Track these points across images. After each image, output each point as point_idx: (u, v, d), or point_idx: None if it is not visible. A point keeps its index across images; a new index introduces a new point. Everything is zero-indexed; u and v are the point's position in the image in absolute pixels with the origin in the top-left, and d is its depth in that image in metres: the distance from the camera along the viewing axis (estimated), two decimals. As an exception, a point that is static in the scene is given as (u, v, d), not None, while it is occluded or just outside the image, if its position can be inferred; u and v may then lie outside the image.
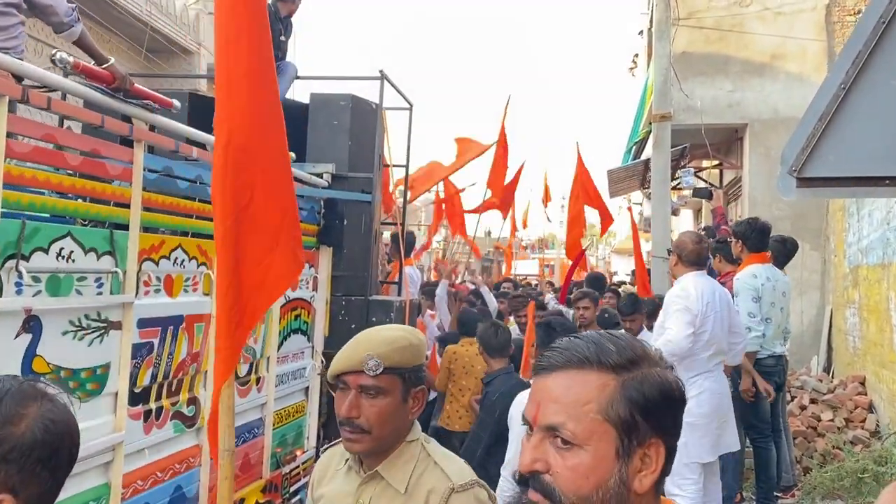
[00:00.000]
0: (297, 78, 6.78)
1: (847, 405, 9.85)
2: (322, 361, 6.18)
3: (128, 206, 4.06)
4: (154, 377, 4.30)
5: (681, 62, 14.08)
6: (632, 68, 21.78)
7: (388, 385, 2.47)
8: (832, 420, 9.48)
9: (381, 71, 6.46)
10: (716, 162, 16.45)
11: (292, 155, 5.72)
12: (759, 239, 7.57)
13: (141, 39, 13.81)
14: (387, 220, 7.90)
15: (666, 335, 5.96)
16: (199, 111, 6.00)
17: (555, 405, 1.49)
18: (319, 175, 6.19)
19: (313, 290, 6.20)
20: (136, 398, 4.17)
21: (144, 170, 4.19)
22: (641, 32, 19.13)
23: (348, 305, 6.38)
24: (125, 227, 4.04)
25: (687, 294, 6.05)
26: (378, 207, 6.79)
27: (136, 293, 4.11)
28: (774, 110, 14.43)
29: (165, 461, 4.42)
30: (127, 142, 4.17)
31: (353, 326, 6.34)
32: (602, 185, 17.13)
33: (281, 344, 5.65)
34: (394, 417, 2.49)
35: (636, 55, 21.17)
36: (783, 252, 8.07)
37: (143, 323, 4.18)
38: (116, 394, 3.98)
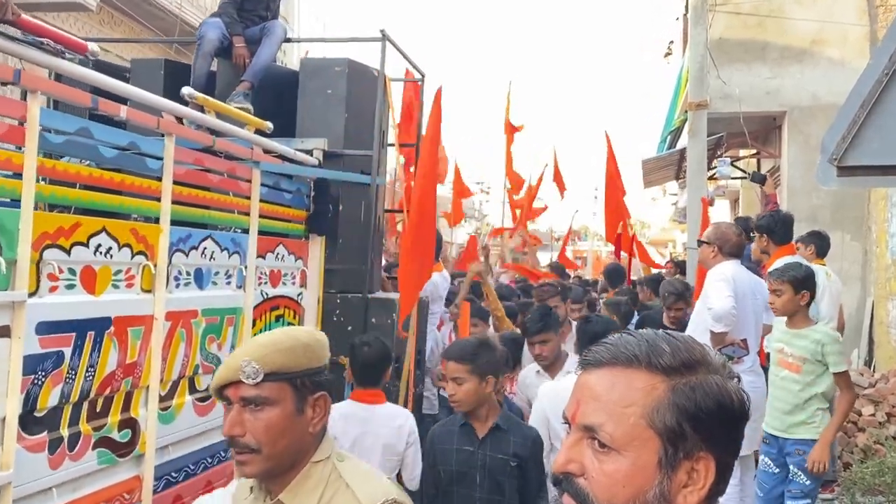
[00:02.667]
0: (286, 41, 5.52)
1: (889, 399, 8.91)
2: (312, 369, 4.97)
3: (19, 175, 2.86)
4: (66, 396, 3.09)
5: (717, 48, 12.80)
6: (667, 55, 20.26)
7: (274, 394, 2.04)
8: (873, 415, 8.60)
9: (382, 31, 5.15)
10: (753, 151, 15.15)
11: (269, 125, 4.54)
12: (785, 231, 6.96)
13: (171, 32, 12.85)
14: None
15: (708, 304, 5.46)
16: (174, 78, 4.81)
17: (595, 404, 1.30)
18: (309, 152, 4.93)
19: (301, 286, 4.95)
20: (37, 424, 2.98)
21: (47, 130, 3.00)
22: (677, 18, 17.75)
23: (344, 304, 5.14)
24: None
25: (723, 274, 5.57)
26: (381, 191, 5.51)
27: (36, 289, 2.92)
28: (814, 97, 13.09)
29: (87, 500, 3.22)
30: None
31: (349, 328, 5.09)
32: (636, 175, 15.91)
33: (257, 350, 4.44)
34: (287, 431, 2.05)
35: (671, 42, 19.70)
36: (822, 246, 7.75)
37: (46, 328, 2.98)
38: (3, 420, 2.79)
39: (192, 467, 3.88)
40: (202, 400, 3.95)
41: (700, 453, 1.27)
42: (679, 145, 14.74)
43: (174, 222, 3.74)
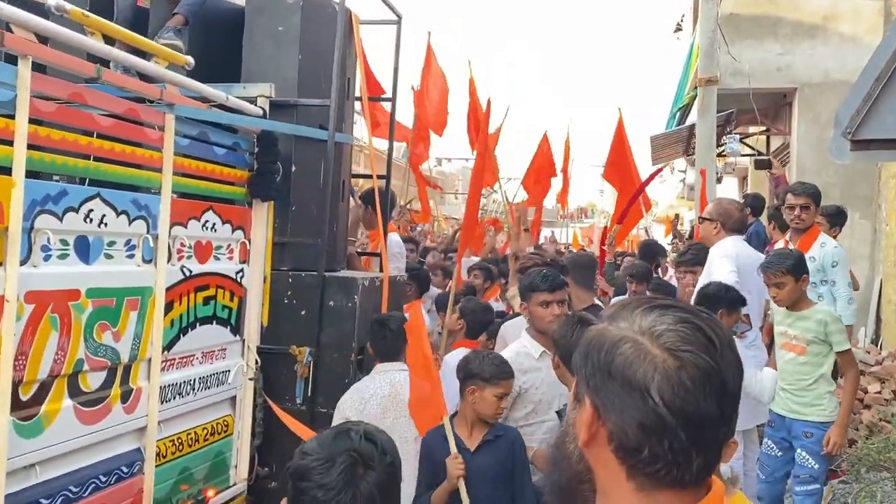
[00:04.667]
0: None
1: (895, 377, 8.29)
2: (257, 362, 3.78)
3: None
4: None
5: (728, 24, 11.73)
6: (677, 30, 18.88)
7: None
8: (879, 392, 7.96)
9: (342, -44, 3.93)
10: (763, 128, 13.97)
11: (188, 60, 3.37)
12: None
13: None
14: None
15: (712, 279, 5.03)
16: (101, 15, 3.61)
17: None
18: (252, 100, 3.76)
19: (242, 261, 3.78)
20: None
21: None
22: (688, -7, 16.45)
23: (297, 284, 3.99)
24: None
25: (726, 249, 5.23)
26: (346, 151, 4.30)
27: None
28: (825, 74, 11.91)
29: None
30: None
31: (302, 312, 3.93)
32: (645, 152, 14.64)
33: (175, 339, 3.27)
34: None
35: (682, 17, 18.31)
36: (841, 221, 7.14)
37: None
38: None
39: (74, 490, 2.76)
40: (89, 404, 2.82)
41: (585, 396, 1.17)
42: (688, 122, 13.66)
43: (40, 175, 2.61)
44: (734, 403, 1.12)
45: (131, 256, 3.00)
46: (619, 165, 10.17)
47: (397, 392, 3.64)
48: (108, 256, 2.88)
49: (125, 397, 2.99)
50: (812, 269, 5.52)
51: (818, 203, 5.86)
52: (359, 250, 5.69)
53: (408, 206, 10.04)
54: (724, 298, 4.57)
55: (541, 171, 11.04)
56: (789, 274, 4.43)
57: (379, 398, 3.62)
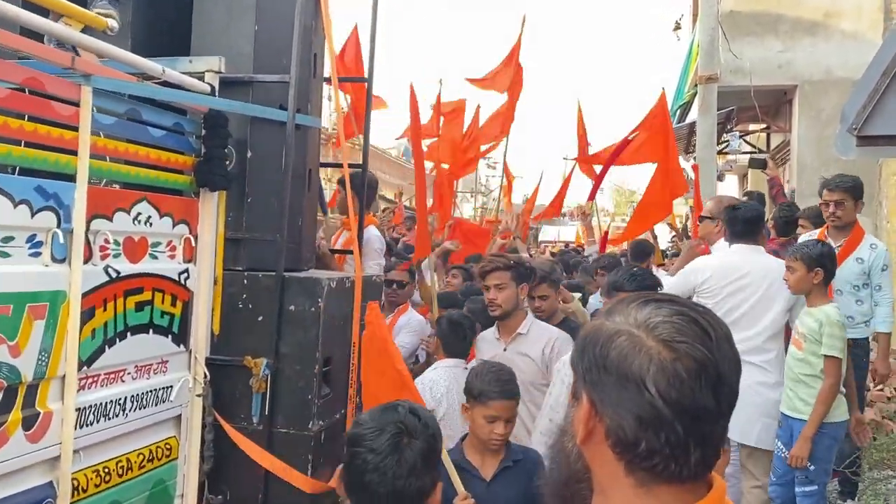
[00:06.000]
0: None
1: None
2: (206, 375, 3.14)
3: None
4: None
5: (729, 21, 11.29)
6: (676, 29, 18.27)
7: None
8: (881, 390, 7.79)
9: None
10: (763, 125, 13.46)
11: (109, 24, 2.74)
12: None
13: None
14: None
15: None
16: None
17: None
18: (200, 76, 3.14)
19: (186, 260, 3.12)
20: None
21: None
22: (688, -10, 15.82)
23: (253, 286, 3.35)
24: None
25: (700, 261, 4.84)
26: (312, 135, 3.65)
27: None
28: (826, 71, 11.37)
29: None
30: None
31: (259, 318, 3.31)
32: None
33: (98, 352, 2.64)
34: None
35: (681, 15, 17.74)
36: (823, 223, 6.45)
37: None
38: None
39: (-45, 540, 2.15)
40: (-27, 433, 2.20)
41: (583, 392, 1.13)
42: (689, 119, 13.11)
43: None
44: (731, 396, 1.08)
45: (36, 255, 2.38)
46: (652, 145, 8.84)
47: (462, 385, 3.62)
48: (3, 255, 2.27)
49: (29, 423, 2.36)
50: (857, 271, 5.02)
51: (858, 197, 5.09)
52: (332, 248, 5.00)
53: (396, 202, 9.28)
54: (763, 216, 4.66)
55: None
56: (800, 261, 4.20)
57: (444, 390, 3.65)
